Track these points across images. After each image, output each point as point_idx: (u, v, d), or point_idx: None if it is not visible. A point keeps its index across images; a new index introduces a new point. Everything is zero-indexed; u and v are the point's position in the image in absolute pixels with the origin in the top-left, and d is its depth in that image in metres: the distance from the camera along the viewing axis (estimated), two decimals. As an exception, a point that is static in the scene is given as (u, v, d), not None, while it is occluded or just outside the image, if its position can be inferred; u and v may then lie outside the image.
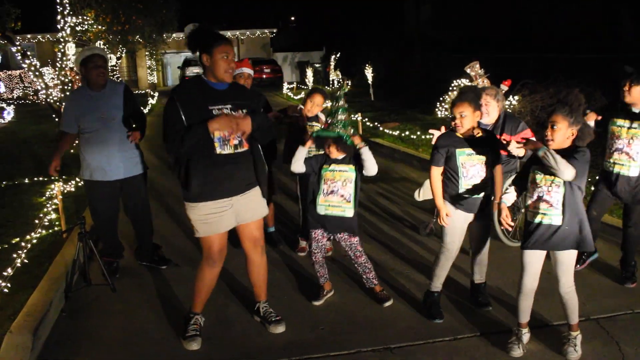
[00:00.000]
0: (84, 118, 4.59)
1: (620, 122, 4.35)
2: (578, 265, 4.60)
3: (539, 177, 3.36)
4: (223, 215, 3.60)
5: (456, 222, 3.88)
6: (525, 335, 3.59)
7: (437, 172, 3.87)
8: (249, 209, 3.72)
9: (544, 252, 3.47)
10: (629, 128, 4.29)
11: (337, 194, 4.10)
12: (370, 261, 4.29)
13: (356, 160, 4.13)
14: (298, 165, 4.19)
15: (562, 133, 3.27)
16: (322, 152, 4.24)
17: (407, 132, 11.04)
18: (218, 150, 3.49)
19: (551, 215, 3.33)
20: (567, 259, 3.43)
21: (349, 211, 4.11)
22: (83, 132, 4.65)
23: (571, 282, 3.48)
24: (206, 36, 3.48)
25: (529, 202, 3.43)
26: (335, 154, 4.13)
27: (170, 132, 3.43)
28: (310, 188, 4.29)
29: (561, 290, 3.49)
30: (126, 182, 4.77)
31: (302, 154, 4.18)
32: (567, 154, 3.25)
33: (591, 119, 4.34)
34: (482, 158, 3.80)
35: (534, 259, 3.48)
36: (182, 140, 3.39)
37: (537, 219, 3.37)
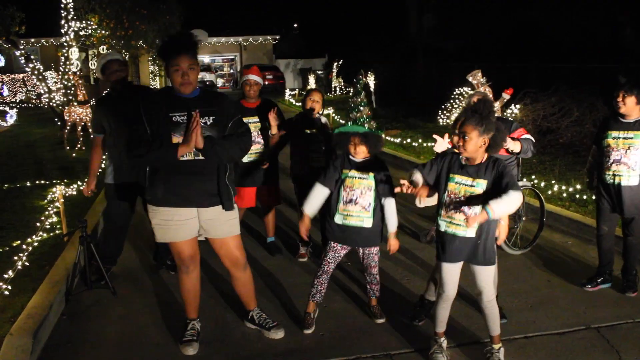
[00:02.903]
0: (111, 119, 4.59)
1: (615, 133, 4.34)
2: (589, 286, 4.53)
3: (458, 187, 3.27)
4: (184, 224, 3.54)
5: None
6: (444, 343, 3.55)
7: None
8: (218, 224, 3.61)
9: (460, 266, 3.41)
10: (624, 138, 4.29)
11: (356, 203, 3.87)
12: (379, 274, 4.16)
13: (376, 169, 3.90)
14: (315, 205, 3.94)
15: (474, 142, 3.16)
16: (341, 155, 3.98)
17: (408, 140, 11.06)
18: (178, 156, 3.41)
19: (466, 227, 3.25)
20: (486, 271, 3.36)
21: (367, 221, 3.89)
22: (112, 132, 4.64)
23: (492, 293, 3.42)
24: (166, 46, 3.45)
25: (442, 210, 3.35)
26: (361, 154, 3.87)
27: (131, 141, 3.40)
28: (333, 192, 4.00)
29: (483, 299, 3.41)
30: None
31: (322, 194, 3.93)
32: (490, 170, 3.19)
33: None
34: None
35: (454, 271, 3.41)
36: (146, 154, 3.34)
37: (452, 230, 3.31)
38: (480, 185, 3.22)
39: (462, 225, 3.26)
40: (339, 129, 4.04)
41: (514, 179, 3.19)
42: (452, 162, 3.35)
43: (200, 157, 3.44)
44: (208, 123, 3.46)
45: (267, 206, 5.40)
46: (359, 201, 3.88)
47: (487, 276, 3.38)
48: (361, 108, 3.94)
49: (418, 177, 3.39)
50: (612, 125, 4.37)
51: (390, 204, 3.92)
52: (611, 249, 4.56)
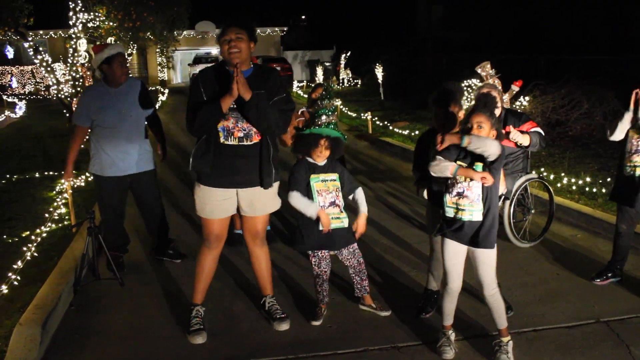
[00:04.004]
0: (103, 113, 4.61)
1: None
2: (598, 280, 4.46)
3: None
4: (222, 203, 3.68)
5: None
6: (452, 336, 3.55)
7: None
8: (255, 203, 3.73)
9: (465, 251, 3.42)
10: None
11: (336, 205, 3.88)
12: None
13: (338, 169, 3.95)
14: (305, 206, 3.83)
15: (486, 132, 3.26)
16: (301, 161, 3.94)
17: (417, 132, 11.01)
18: (221, 140, 3.55)
19: (472, 211, 3.29)
20: (488, 257, 3.36)
21: (345, 220, 3.91)
22: (99, 126, 4.65)
23: (494, 285, 3.40)
24: (220, 31, 3.58)
25: (448, 198, 3.36)
26: (323, 157, 3.87)
27: (189, 111, 3.54)
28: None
29: (485, 293, 3.41)
30: (137, 178, 4.79)
31: (312, 209, 3.79)
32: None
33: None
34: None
35: (458, 258, 3.42)
36: (194, 119, 3.46)
37: (458, 215, 3.33)
38: (478, 167, 3.28)
39: (467, 210, 3.30)
40: (311, 129, 4.04)
41: (501, 138, 3.32)
42: (454, 151, 3.38)
43: (244, 143, 3.55)
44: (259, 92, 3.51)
45: None
46: (337, 202, 3.89)
47: (488, 264, 3.37)
48: (330, 113, 3.98)
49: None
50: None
51: (361, 193, 4.00)
52: (627, 247, 4.47)
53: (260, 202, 3.75)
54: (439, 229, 3.45)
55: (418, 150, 3.96)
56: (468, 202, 3.28)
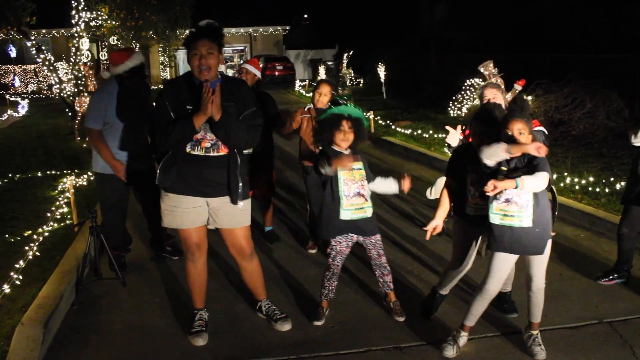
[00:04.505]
0: (118, 112, 4.57)
1: None
2: (604, 280, 4.43)
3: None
4: (191, 211, 3.58)
5: (469, 235, 3.76)
6: (463, 339, 3.54)
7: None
8: (226, 215, 3.64)
9: (515, 258, 3.40)
10: None
11: (359, 195, 3.83)
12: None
13: (361, 157, 3.92)
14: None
15: (526, 138, 3.24)
16: (323, 153, 3.83)
17: (419, 131, 11.00)
18: (188, 149, 3.47)
19: (522, 217, 3.26)
20: (541, 259, 3.39)
21: (369, 210, 3.86)
22: (113, 125, 4.60)
23: (544, 279, 3.45)
24: (189, 35, 3.47)
25: (495, 204, 3.31)
26: (346, 143, 3.79)
27: (157, 128, 3.44)
28: (326, 190, 3.86)
29: (534, 286, 3.44)
30: (142, 175, 4.78)
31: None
32: (530, 162, 3.23)
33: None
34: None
35: (507, 264, 3.40)
36: (167, 136, 3.37)
37: (505, 222, 3.28)
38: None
39: (517, 217, 3.27)
40: (331, 110, 3.90)
41: (544, 161, 3.24)
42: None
43: (211, 154, 3.48)
44: (228, 110, 3.44)
45: (263, 197, 5.47)
46: (361, 192, 3.85)
47: (541, 265, 3.41)
48: (345, 99, 3.88)
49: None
50: None
51: (385, 177, 3.95)
52: (631, 249, 4.44)
53: (234, 213, 3.65)
54: (489, 245, 3.41)
55: (453, 162, 3.87)
56: (517, 209, 3.25)
